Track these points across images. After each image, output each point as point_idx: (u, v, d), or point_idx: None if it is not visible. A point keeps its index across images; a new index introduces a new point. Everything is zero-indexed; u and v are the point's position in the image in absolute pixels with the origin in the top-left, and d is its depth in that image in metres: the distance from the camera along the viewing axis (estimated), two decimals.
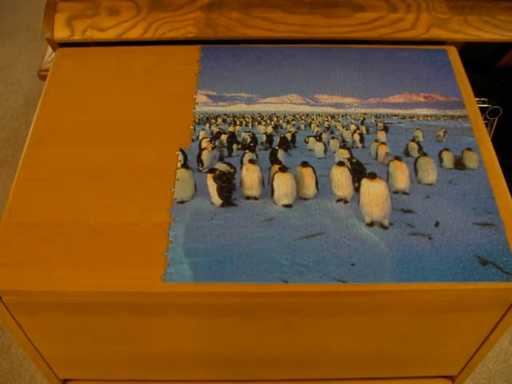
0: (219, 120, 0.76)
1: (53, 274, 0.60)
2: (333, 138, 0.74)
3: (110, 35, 0.83)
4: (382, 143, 0.73)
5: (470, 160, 0.71)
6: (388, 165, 0.70)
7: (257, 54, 0.83)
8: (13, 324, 0.65)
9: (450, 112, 0.77)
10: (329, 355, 0.74)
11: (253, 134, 0.75)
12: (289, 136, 0.75)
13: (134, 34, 0.83)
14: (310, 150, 0.73)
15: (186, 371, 0.78)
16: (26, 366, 1.13)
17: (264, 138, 0.75)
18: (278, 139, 0.74)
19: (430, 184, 0.69)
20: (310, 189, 0.67)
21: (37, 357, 0.72)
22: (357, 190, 0.67)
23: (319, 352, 0.73)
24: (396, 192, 0.68)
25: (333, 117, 0.77)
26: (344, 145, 0.74)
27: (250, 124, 0.76)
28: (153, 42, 0.84)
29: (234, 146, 0.73)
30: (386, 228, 0.64)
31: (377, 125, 0.76)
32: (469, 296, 0.62)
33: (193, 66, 0.82)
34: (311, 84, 0.79)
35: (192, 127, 0.74)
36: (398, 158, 0.70)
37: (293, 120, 0.78)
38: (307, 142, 0.74)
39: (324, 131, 0.76)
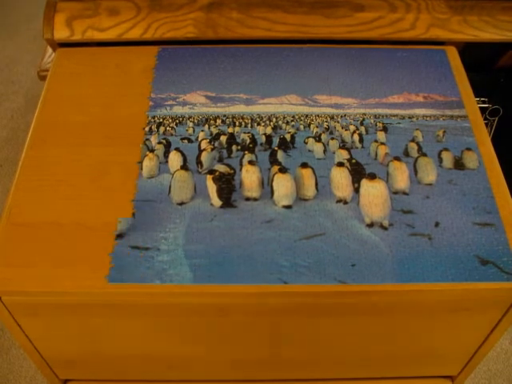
0: (218, 121, 0.76)
1: (53, 274, 0.60)
2: (332, 138, 0.74)
3: (109, 35, 0.83)
4: (382, 143, 0.73)
5: (470, 160, 0.71)
6: (387, 165, 0.70)
7: (256, 55, 0.83)
8: (13, 324, 0.65)
9: (449, 112, 0.77)
10: (329, 355, 0.74)
11: (252, 134, 0.75)
12: (288, 137, 0.75)
13: (134, 34, 0.83)
14: (310, 150, 0.73)
15: (186, 371, 0.78)
16: (27, 366, 1.13)
17: (263, 138, 0.75)
18: (278, 140, 0.74)
19: (430, 184, 0.69)
20: (309, 190, 0.67)
21: (37, 357, 0.72)
22: (356, 190, 0.67)
23: (319, 352, 0.73)
24: (396, 192, 0.68)
25: (332, 117, 0.77)
26: (343, 145, 0.74)
27: (249, 125, 0.76)
28: (153, 42, 0.84)
29: (234, 147, 0.73)
30: (385, 228, 0.64)
31: (376, 125, 0.76)
32: (469, 296, 0.62)
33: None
34: (310, 84, 0.79)
35: (192, 127, 0.75)
36: (397, 159, 0.70)
37: (292, 121, 0.77)
38: (306, 143, 0.74)
39: (323, 132, 0.76)
